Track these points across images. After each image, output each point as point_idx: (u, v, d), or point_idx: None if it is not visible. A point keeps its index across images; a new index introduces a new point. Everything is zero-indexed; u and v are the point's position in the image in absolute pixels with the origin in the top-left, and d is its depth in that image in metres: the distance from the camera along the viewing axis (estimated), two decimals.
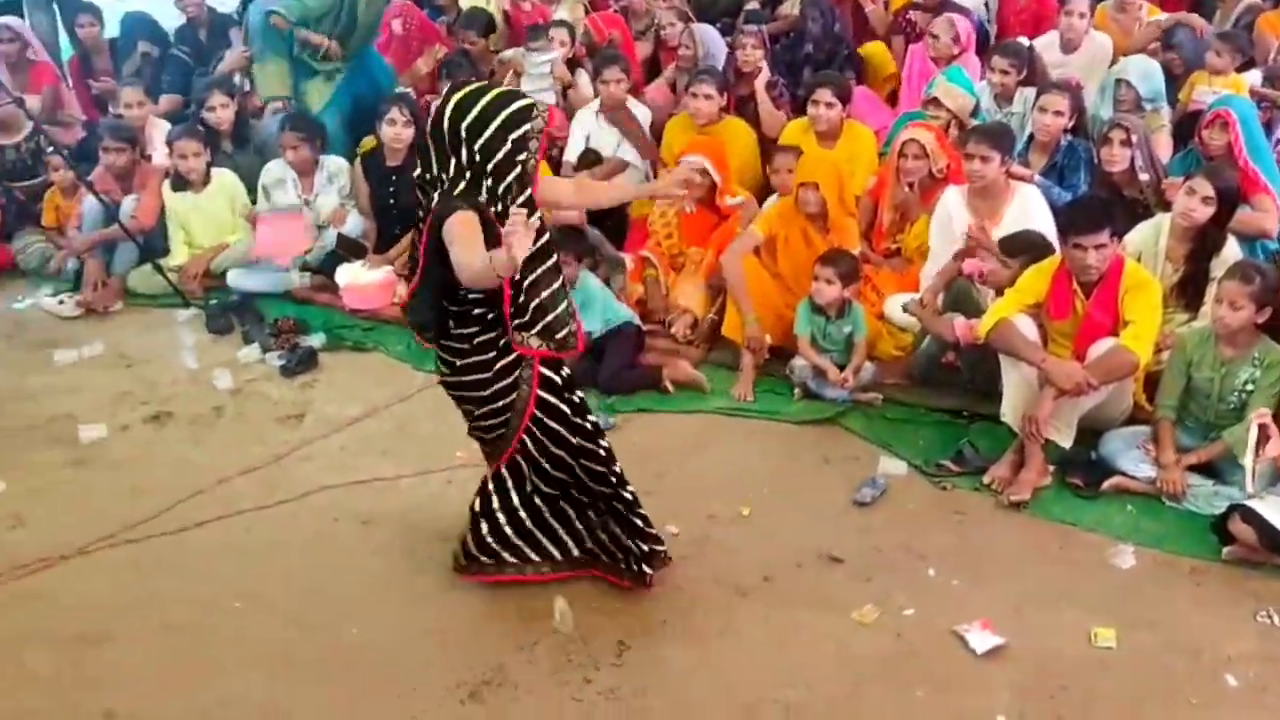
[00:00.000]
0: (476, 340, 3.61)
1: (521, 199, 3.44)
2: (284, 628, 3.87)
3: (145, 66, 8.16)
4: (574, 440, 3.75)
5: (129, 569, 4.18)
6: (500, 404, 3.69)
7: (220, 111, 6.89)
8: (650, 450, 4.89)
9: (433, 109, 3.51)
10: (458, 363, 3.67)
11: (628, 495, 3.85)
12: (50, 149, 7.02)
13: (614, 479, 3.82)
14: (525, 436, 3.72)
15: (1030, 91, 6.28)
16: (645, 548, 3.88)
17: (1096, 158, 5.67)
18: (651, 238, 6.18)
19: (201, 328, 6.18)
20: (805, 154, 5.80)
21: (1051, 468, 4.54)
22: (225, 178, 6.65)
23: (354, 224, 6.63)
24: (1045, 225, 5.07)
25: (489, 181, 3.42)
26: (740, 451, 4.91)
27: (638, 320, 5.66)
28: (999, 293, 4.81)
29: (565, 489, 3.87)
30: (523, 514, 3.89)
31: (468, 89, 3.48)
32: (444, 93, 3.56)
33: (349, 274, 6.30)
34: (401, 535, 4.32)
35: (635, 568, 3.91)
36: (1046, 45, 6.91)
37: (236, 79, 7.62)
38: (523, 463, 3.81)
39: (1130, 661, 3.61)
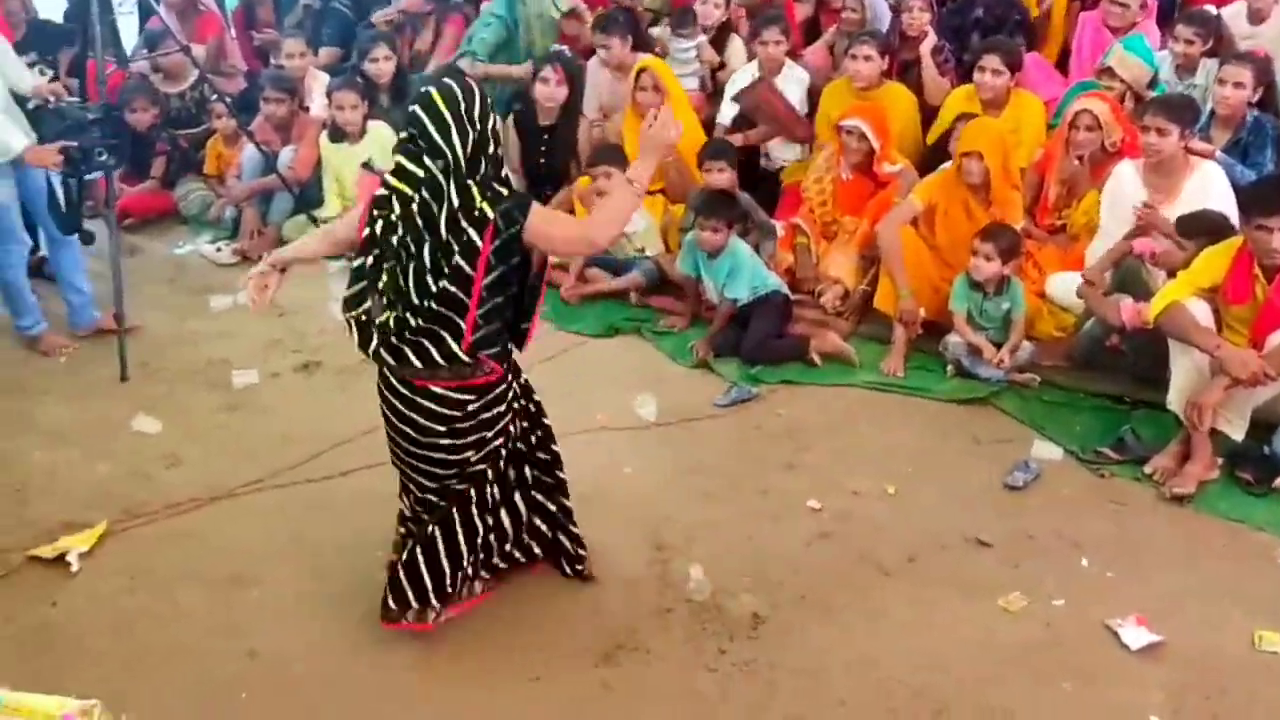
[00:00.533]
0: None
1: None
2: None
3: (306, 19, 8.38)
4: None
5: (276, 513, 4.31)
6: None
7: (382, 64, 7.02)
8: (794, 424, 4.86)
9: None
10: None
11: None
12: (214, 98, 7.26)
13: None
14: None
15: (1214, 63, 5.98)
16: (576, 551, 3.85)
17: None
18: (804, 204, 6.11)
19: None
20: (970, 122, 5.65)
21: (1220, 461, 4.36)
22: (381, 131, 6.75)
23: None
24: (1226, 204, 4.84)
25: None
26: (888, 428, 4.84)
27: (786, 289, 5.61)
28: (1171, 275, 4.62)
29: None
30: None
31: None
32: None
33: None
34: None
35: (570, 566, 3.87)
36: (1234, 15, 6.57)
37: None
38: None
39: None
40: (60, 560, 4.00)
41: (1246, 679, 3.42)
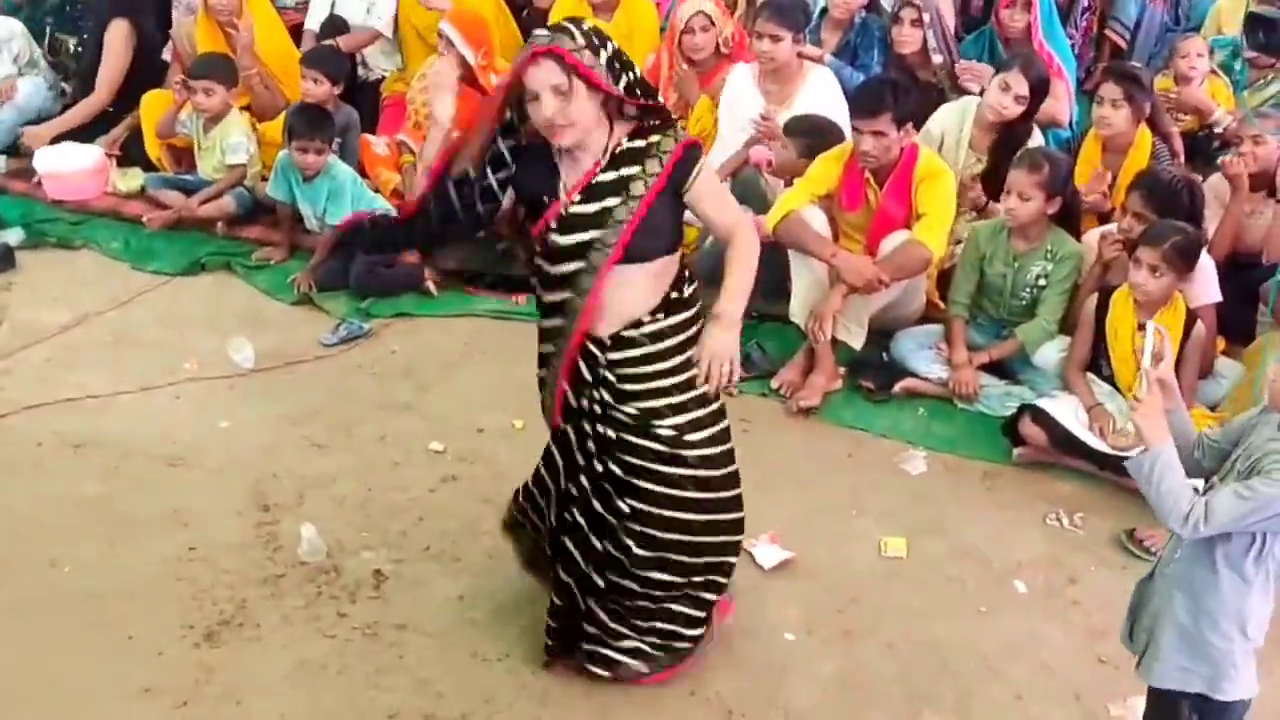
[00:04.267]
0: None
1: None
2: None
3: None
4: None
5: None
6: None
7: None
8: (412, 360, 4.82)
9: None
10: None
11: None
12: None
13: None
14: None
15: None
16: None
17: (890, 36, 5.78)
18: (409, 119, 5.99)
19: None
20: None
21: (842, 371, 4.68)
22: None
23: (31, 94, 6.22)
24: (839, 109, 5.13)
25: None
26: (514, 360, 4.80)
27: (395, 213, 5.49)
28: (788, 184, 4.87)
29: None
30: None
31: None
32: None
33: (50, 159, 5.97)
34: (120, 460, 4.14)
35: None
36: None
37: None
38: None
39: (920, 571, 3.78)
40: None
41: (874, 587, 3.71)
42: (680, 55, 5.66)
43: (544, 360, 3.13)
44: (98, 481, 4.03)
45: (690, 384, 2.99)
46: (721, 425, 3.11)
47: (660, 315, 2.99)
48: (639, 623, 3.20)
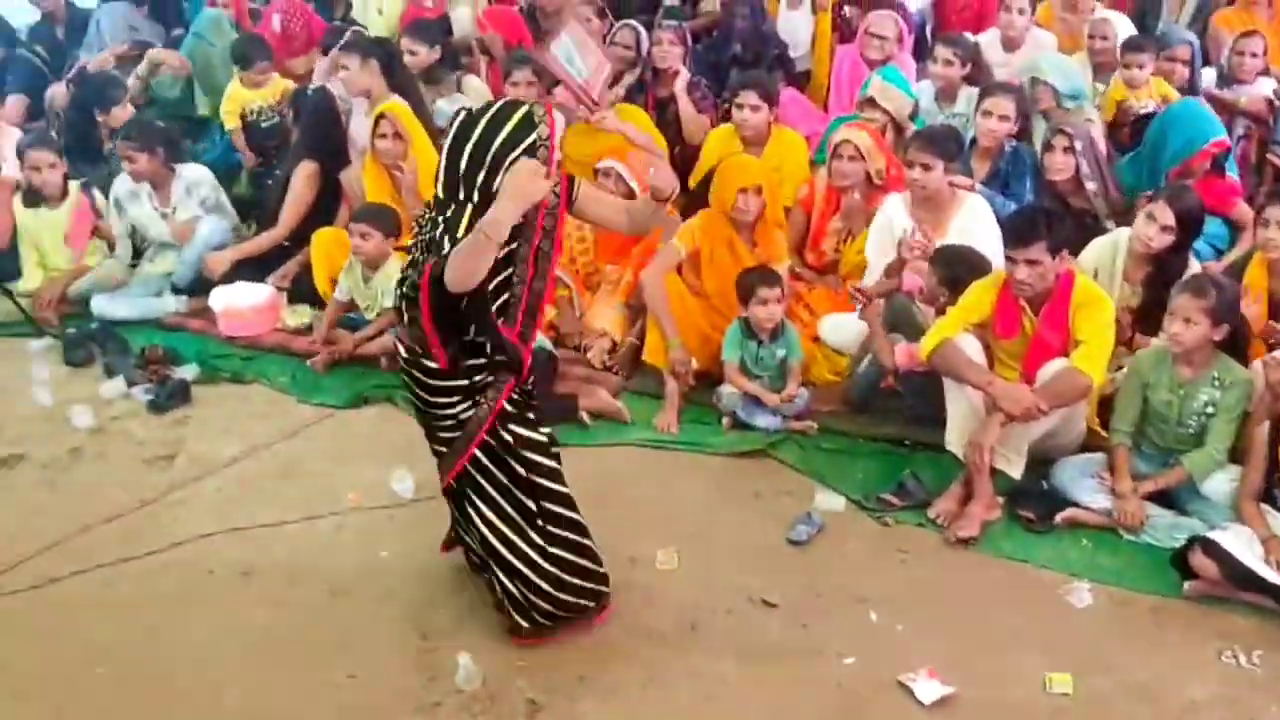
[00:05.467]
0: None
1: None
2: (152, 694, 3.77)
3: None
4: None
5: None
6: None
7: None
8: None
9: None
10: None
11: None
12: None
13: None
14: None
15: (974, 91, 6.39)
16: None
17: (1040, 164, 5.79)
18: (564, 255, 6.17)
19: (58, 359, 6.07)
20: (730, 158, 5.82)
21: (1001, 500, 4.60)
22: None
23: (212, 233, 6.57)
24: (992, 237, 5.15)
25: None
26: (664, 488, 4.91)
27: (550, 345, 5.64)
28: (940, 312, 4.88)
29: None
30: None
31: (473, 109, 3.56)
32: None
33: (225, 297, 6.30)
34: (286, 587, 4.25)
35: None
36: (988, 43, 7.06)
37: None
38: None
39: (1087, 709, 3.66)
40: None
41: None
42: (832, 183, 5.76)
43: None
44: (264, 608, 4.17)
45: None
46: None
47: None
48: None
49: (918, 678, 3.73)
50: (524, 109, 3.54)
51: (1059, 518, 4.53)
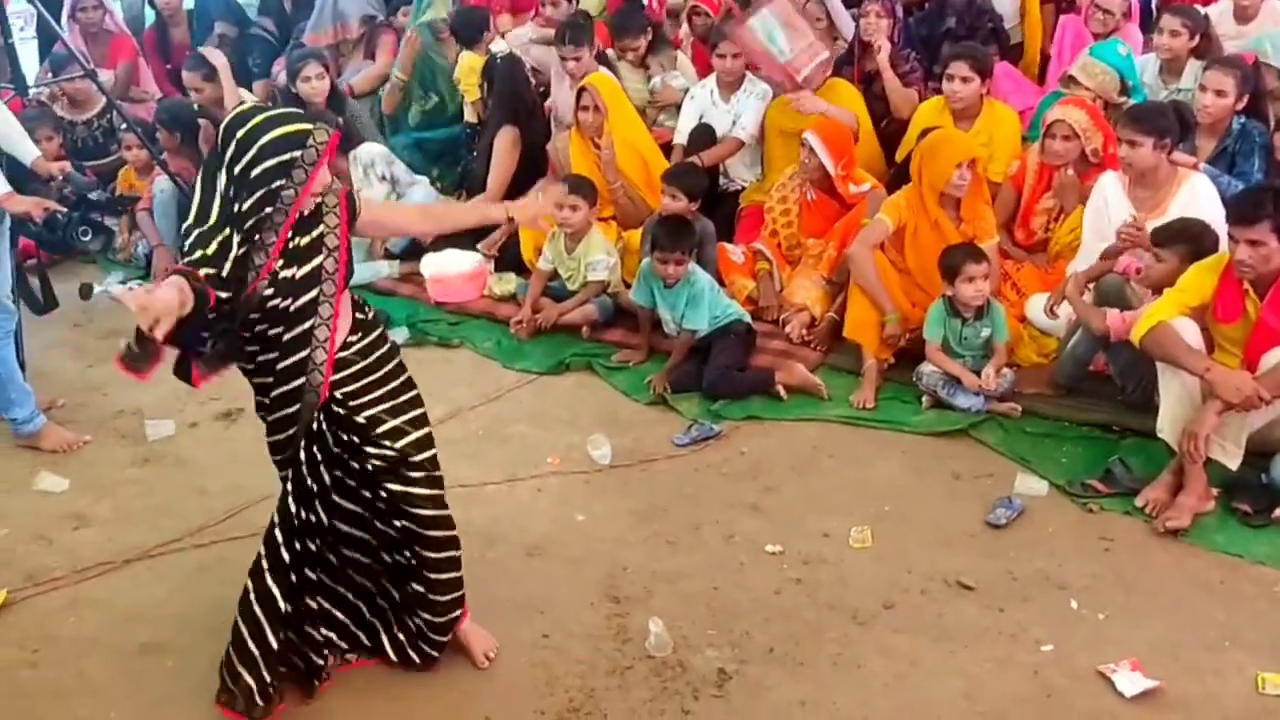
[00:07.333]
0: None
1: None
2: None
3: (223, 46, 8.37)
4: None
5: (194, 576, 4.28)
6: None
7: (315, 83, 6.99)
8: (760, 462, 4.89)
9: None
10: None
11: None
12: (124, 126, 7.24)
13: None
14: None
15: (1200, 65, 6.09)
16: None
17: (1271, 143, 5.50)
18: (766, 228, 6.17)
19: None
20: (936, 132, 5.71)
21: (1215, 491, 4.42)
22: None
23: (425, 200, 6.83)
24: (1215, 218, 4.91)
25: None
26: (860, 465, 4.87)
27: (748, 318, 5.65)
28: (1157, 294, 4.69)
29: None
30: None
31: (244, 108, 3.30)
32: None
33: (435, 264, 6.48)
34: (485, 547, 4.35)
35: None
36: (1220, 13, 6.72)
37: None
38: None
39: None
40: None
41: None
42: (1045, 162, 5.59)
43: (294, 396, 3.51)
44: (464, 567, 4.27)
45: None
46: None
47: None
48: None
49: (1119, 669, 3.62)
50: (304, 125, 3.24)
51: (1278, 512, 4.32)
